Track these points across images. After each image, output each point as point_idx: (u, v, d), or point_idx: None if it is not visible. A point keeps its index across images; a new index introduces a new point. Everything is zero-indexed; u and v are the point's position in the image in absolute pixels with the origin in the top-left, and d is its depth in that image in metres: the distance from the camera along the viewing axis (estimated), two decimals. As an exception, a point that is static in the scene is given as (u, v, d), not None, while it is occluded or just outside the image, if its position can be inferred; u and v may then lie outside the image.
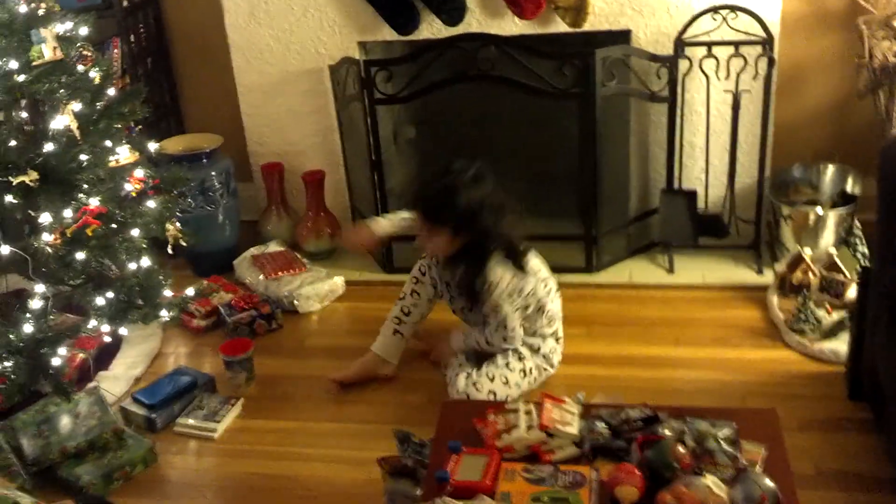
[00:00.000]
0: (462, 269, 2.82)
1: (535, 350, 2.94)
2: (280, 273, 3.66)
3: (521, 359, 2.91)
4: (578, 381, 2.87)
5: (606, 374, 3.00)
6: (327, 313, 3.58)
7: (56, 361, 2.82)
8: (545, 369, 2.96)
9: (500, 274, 2.77)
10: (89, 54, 2.94)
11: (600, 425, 2.02)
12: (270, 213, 4.01)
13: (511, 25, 3.51)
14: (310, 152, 3.97)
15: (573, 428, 2.02)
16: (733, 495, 1.76)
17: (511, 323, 2.83)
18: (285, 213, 4.01)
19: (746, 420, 2.01)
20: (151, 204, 3.06)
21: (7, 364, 2.73)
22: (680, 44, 3.38)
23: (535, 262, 2.88)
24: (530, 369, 2.91)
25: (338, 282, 3.67)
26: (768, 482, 1.77)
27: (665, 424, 1.97)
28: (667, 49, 3.41)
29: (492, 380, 2.84)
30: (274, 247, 3.89)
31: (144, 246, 3.05)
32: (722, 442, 1.89)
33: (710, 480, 1.78)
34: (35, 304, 2.80)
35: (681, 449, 1.87)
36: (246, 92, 3.90)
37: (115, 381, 3.14)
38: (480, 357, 2.94)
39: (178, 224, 3.19)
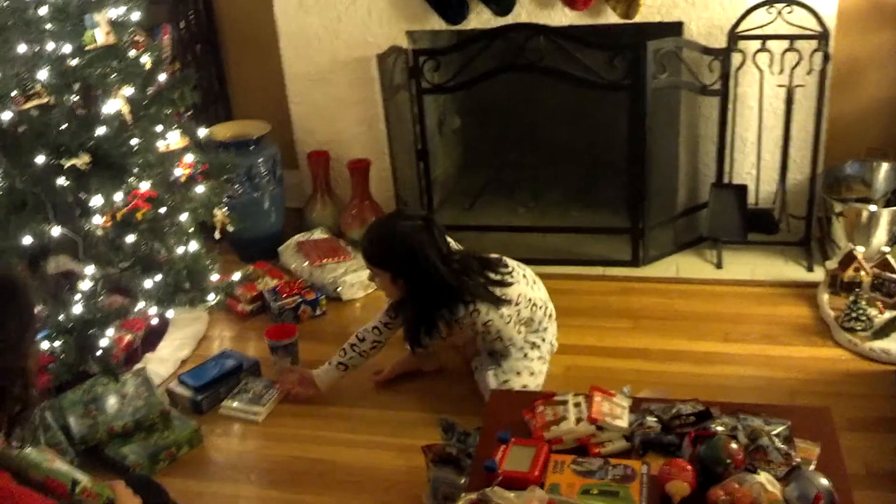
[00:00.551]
0: (408, 317, 2.83)
1: (543, 339, 2.95)
2: (324, 260, 3.67)
3: (534, 347, 2.91)
4: (624, 375, 2.86)
5: (653, 368, 2.98)
6: (371, 300, 3.58)
7: (104, 342, 2.86)
8: (551, 351, 2.99)
9: (485, 312, 2.74)
10: (141, 40, 2.97)
11: (651, 420, 2.00)
12: (315, 200, 4.03)
13: (561, 16, 3.48)
14: (355, 141, 3.97)
15: (623, 421, 2.00)
16: (787, 493, 1.73)
17: (508, 333, 2.81)
18: (330, 200, 4.03)
19: (800, 418, 1.98)
20: (200, 189, 3.09)
21: (56, 344, 2.78)
22: (733, 37, 3.33)
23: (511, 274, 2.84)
24: (545, 357, 2.94)
25: (381, 270, 3.67)
26: (823, 481, 1.74)
27: (717, 420, 1.95)
28: (720, 42, 3.36)
29: (519, 374, 2.83)
30: (318, 234, 3.90)
31: (192, 230, 3.09)
32: (775, 439, 1.87)
33: (763, 477, 1.75)
34: (85, 285, 2.84)
35: (733, 445, 1.84)
36: (293, 80, 3.92)
37: (162, 363, 3.17)
38: (496, 354, 2.92)
39: (225, 209, 3.22)
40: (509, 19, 3.50)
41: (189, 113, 3.50)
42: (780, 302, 3.31)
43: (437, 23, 3.61)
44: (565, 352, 3.06)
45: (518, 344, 2.86)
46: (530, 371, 2.86)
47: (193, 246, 3.08)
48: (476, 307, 2.73)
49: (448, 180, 4.16)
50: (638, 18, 3.39)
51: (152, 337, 3.31)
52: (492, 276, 2.77)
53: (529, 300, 2.85)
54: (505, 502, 1.60)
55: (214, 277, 3.15)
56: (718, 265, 3.52)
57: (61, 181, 2.69)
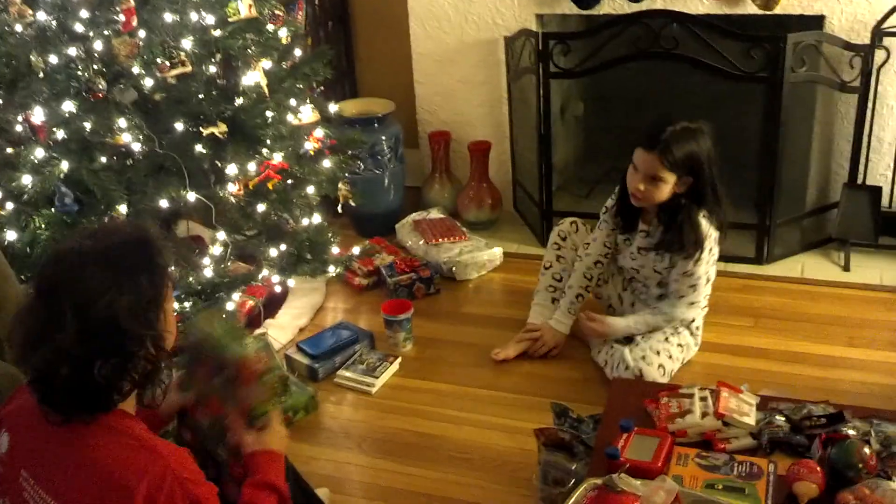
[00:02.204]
0: (670, 220, 2.75)
1: (687, 326, 2.89)
2: (440, 239, 3.71)
3: (676, 333, 2.87)
4: (743, 374, 2.80)
5: (773, 368, 2.91)
6: (484, 282, 3.61)
7: (230, 306, 2.96)
8: (693, 347, 2.94)
9: (708, 229, 2.73)
10: (280, 14, 3.04)
11: (779, 419, 1.96)
12: (434, 180, 4.07)
13: (697, 4, 3.42)
14: (477, 123, 3.99)
15: (750, 419, 1.96)
16: (924, 504, 1.68)
17: (701, 286, 2.79)
18: (448, 181, 4.06)
19: (938, 428, 1.91)
20: (326, 163, 3.15)
21: (186, 304, 2.88)
22: (878, 33, 3.21)
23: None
24: (686, 345, 2.89)
25: (496, 252, 3.69)
26: (963, 494, 1.68)
27: (849, 424, 1.89)
28: (863, 38, 3.25)
29: (658, 354, 2.80)
30: (435, 213, 3.94)
31: (317, 203, 3.16)
32: (911, 448, 1.81)
33: (897, 486, 1.71)
34: (215, 250, 2.94)
35: (866, 450, 1.79)
36: (420, 59, 3.95)
37: (282, 330, 3.26)
38: (627, 339, 2.90)
39: (348, 184, 3.28)
40: (643, 5, 3.46)
41: (320, 89, 3.57)
42: (909, 309, 3.19)
43: (567, 6, 3.59)
44: (682, 346, 3.03)
45: (698, 303, 2.83)
46: (669, 354, 2.82)
47: (317, 218, 3.16)
48: (706, 246, 2.72)
49: (567, 167, 4.14)
50: (778, 10, 3.31)
51: (273, 304, 3.40)
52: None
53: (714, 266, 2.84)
54: (631, 490, 1.60)
55: (335, 250, 3.22)
56: (846, 268, 3.42)
57: (199, 148, 2.79)
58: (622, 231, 2.95)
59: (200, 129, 2.78)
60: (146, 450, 1.51)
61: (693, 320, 2.89)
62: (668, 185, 2.68)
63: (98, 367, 1.46)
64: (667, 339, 2.85)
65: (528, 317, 3.13)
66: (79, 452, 1.50)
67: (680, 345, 2.87)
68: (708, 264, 2.78)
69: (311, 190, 3.11)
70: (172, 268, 2.73)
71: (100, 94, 2.64)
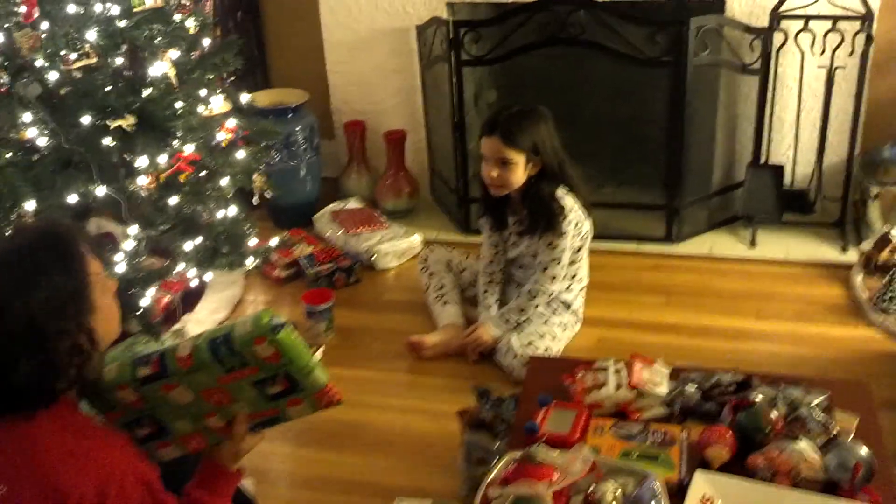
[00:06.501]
0: (531, 201, 2.86)
1: (567, 306, 2.99)
2: (359, 229, 3.71)
3: (555, 313, 2.96)
4: (657, 350, 2.82)
5: (685, 343, 3.00)
6: (404, 270, 3.62)
7: (145, 302, 2.90)
8: (575, 324, 3.04)
9: (570, 203, 2.85)
10: (187, 4, 3.00)
11: (691, 388, 2.02)
12: (351, 170, 4.06)
13: (603, -10, 3.49)
14: (392, 112, 3.99)
15: (663, 388, 2.02)
16: (827, 462, 1.76)
17: (564, 258, 2.88)
18: (366, 170, 4.06)
19: (839, 390, 2.00)
20: (240, 154, 3.12)
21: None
22: (776, 16, 3.33)
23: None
24: (566, 324, 2.98)
25: (415, 240, 3.70)
26: (863, 451, 1.76)
27: (757, 390, 1.97)
28: (762, 21, 3.36)
29: (542, 336, 2.89)
30: (353, 203, 3.94)
31: (232, 195, 3.12)
32: (815, 410, 1.89)
33: (803, 445, 1.78)
34: (127, 245, 2.88)
35: (773, 414, 1.86)
36: (333, 49, 3.94)
37: (200, 325, 3.22)
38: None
39: (263, 176, 3.25)
40: (550, -8, 3.50)
41: (231, 79, 3.53)
42: (814, 282, 3.32)
43: (477, -6, 3.63)
44: (597, 325, 3.10)
45: (557, 278, 2.91)
46: (552, 335, 2.91)
47: (233, 210, 3.12)
48: (568, 217, 2.84)
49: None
50: (681, -5, 3.40)
51: (190, 299, 3.35)
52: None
53: (586, 245, 2.97)
54: (550, 460, 1.63)
55: (252, 242, 3.19)
56: (752, 244, 3.53)
57: (107, 141, 2.72)
58: (496, 228, 3.05)
59: (108, 121, 2.72)
60: (90, 449, 1.48)
61: (560, 298, 2.98)
62: (519, 167, 2.79)
63: (22, 366, 1.44)
64: (546, 321, 2.94)
65: (439, 322, 3.12)
66: (20, 444, 1.46)
67: (562, 324, 2.96)
68: (573, 237, 2.88)
69: (225, 182, 3.06)
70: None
71: (2, 89, 2.56)
